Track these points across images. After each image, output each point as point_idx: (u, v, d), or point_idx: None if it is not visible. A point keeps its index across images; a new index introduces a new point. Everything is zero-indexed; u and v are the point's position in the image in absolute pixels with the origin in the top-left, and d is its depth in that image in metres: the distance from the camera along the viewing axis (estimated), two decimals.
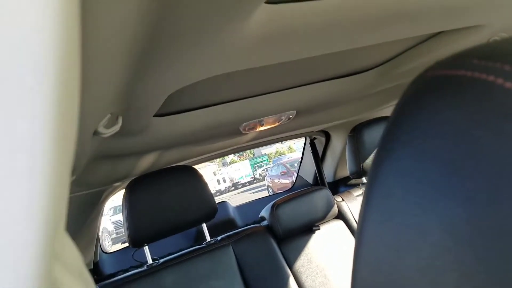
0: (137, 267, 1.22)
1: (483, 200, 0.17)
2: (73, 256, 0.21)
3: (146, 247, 1.15)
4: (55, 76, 0.13)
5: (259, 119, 1.11)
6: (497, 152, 0.17)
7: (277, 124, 1.20)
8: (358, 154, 1.43)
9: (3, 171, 0.13)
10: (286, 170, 10.05)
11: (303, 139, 2.04)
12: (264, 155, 23.73)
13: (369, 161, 1.42)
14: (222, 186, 20.36)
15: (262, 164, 21.66)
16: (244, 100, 0.91)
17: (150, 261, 1.16)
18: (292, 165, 10.05)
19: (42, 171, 0.13)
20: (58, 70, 0.13)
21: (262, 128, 1.20)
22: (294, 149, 21.94)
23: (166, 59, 0.49)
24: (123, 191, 1.23)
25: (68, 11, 0.13)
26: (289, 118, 1.18)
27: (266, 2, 0.42)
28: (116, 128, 0.64)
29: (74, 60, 0.14)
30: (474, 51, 0.21)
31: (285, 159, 13.43)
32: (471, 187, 0.18)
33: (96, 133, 0.59)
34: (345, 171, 1.84)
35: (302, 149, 2.15)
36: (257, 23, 0.46)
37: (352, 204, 1.47)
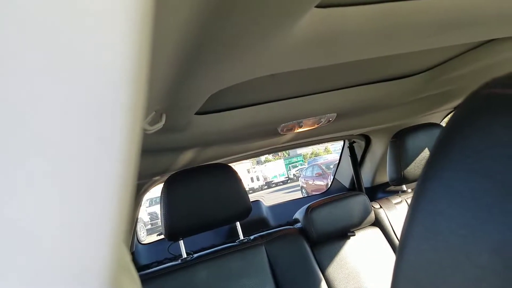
0: (171, 260, 1.25)
1: None
2: (123, 254, 0.21)
3: (181, 241, 1.17)
4: (131, 80, 0.13)
5: (298, 120, 1.10)
6: None
7: (316, 126, 1.18)
8: (400, 160, 1.37)
9: (80, 181, 0.13)
10: (321, 172, 9.92)
11: (341, 141, 2.01)
12: (300, 155, 23.57)
13: (410, 168, 1.36)
14: (256, 184, 20.46)
15: (297, 165, 21.53)
16: (284, 101, 0.91)
17: (184, 255, 1.19)
18: (327, 167, 9.91)
19: (114, 182, 0.14)
20: (131, 74, 0.13)
21: (300, 130, 1.19)
22: (330, 150, 21.62)
23: (212, 60, 0.50)
24: (161, 184, 1.27)
25: (143, 16, 0.13)
26: (329, 121, 1.17)
27: (316, 6, 0.42)
28: (160, 125, 0.66)
29: (145, 64, 0.14)
30: None
31: (320, 160, 13.26)
32: None
33: None
34: (384, 177, 1.78)
35: (338, 151, 2.11)
36: (306, 26, 0.46)
37: (390, 211, 1.42)
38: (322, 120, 1.14)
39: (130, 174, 0.14)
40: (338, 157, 2.16)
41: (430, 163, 0.24)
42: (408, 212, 0.25)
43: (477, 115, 0.22)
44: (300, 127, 1.16)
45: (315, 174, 10.24)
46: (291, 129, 1.17)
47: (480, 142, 0.21)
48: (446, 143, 0.23)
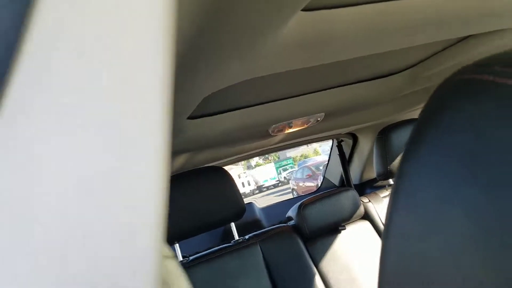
0: None
1: (503, 183, 0.19)
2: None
3: (177, 244, 1.19)
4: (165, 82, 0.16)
5: (288, 121, 1.12)
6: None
7: (305, 126, 1.21)
8: (386, 155, 1.43)
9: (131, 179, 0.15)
10: (311, 173, 9.95)
11: (330, 142, 2.05)
12: (289, 158, 23.55)
13: (396, 162, 1.41)
14: (247, 189, 20.32)
15: (287, 167, 21.47)
16: (274, 102, 0.92)
17: (180, 258, 1.21)
18: (317, 168, 9.94)
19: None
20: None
21: (290, 130, 1.21)
22: (319, 152, 21.68)
23: (204, 64, 0.52)
24: None
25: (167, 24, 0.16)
26: (318, 121, 1.19)
27: (302, 10, 0.44)
28: None
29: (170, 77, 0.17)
30: (496, 59, 0.23)
31: (310, 162, 13.29)
32: (491, 174, 0.19)
33: None
34: (372, 173, 1.83)
35: (327, 152, 2.15)
36: (293, 29, 0.48)
37: (378, 205, 1.48)
38: (311, 120, 1.17)
39: (166, 173, 0.16)
40: (327, 158, 2.21)
41: (409, 144, 0.26)
42: (391, 191, 0.27)
43: (449, 96, 0.24)
44: (290, 127, 1.18)
45: (306, 175, 10.26)
46: (282, 130, 1.19)
47: (451, 119, 0.23)
48: (422, 125, 0.25)
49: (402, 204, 0.26)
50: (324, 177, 2.28)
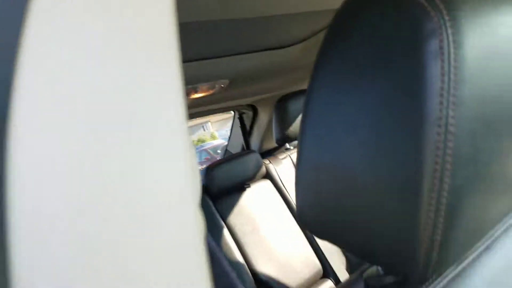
0: None
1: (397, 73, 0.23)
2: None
3: None
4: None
5: (194, 85, 1.13)
6: (391, 32, 0.23)
7: (211, 92, 1.24)
8: (283, 122, 1.56)
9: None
10: (209, 156, 9.99)
11: (227, 127, 2.12)
12: None
13: (293, 128, 1.56)
14: None
15: None
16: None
17: None
18: (214, 151, 10.03)
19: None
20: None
21: (196, 95, 1.23)
22: (216, 136, 21.82)
23: None
24: None
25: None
26: (222, 87, 1.23)
27: None
28: None
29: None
30: None
31: (208, 146, 13.26)
32: (389, 67, 0.23)
33: None
34: (270, 144, 1.98)
35: (224, 137, 2.22)
36: None
37: (278, 166, 1.65)
38: (216, 86, 1.19)
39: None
40: (225, 141, 2.30)
41: (321, 52, 0.30)
42: (307, 90, 0.31)
43: (347, 11, 0.27)
44: (196, 92, 1.20)
45: (204, 159, 10.26)
46: (188, 94, 1.19)
47: (351, 24, 0.26)
48: (329, 33, 0.30)
49: (318, 106, 0.29)
50: (226, 150, 2.38)
